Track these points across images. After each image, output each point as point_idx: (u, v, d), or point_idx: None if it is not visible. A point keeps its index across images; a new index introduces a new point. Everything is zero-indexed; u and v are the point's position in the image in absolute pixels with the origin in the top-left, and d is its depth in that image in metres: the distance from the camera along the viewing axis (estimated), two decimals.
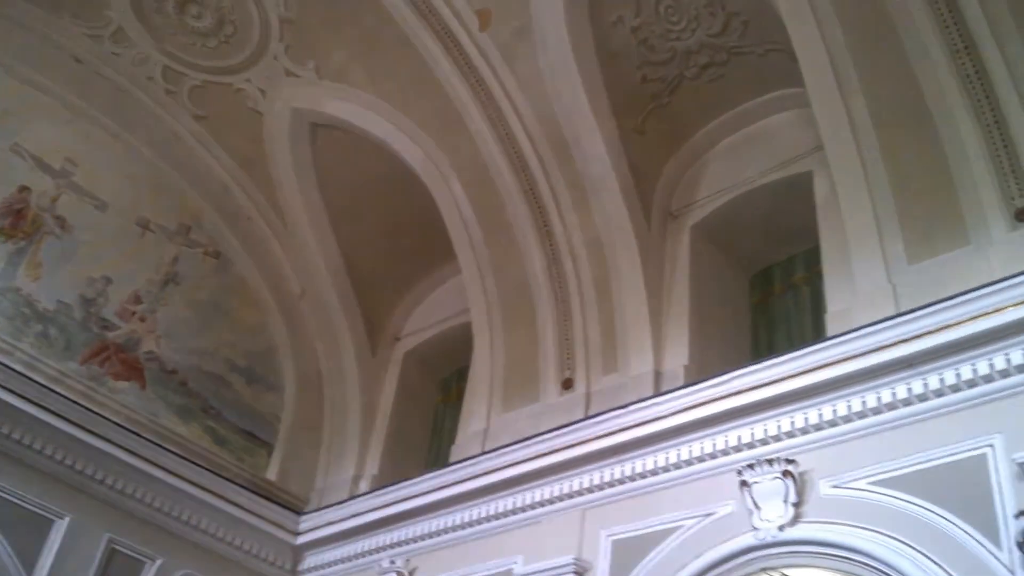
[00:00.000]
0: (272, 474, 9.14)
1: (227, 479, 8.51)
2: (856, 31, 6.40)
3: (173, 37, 8.68)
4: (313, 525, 8.62)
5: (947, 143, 6.02)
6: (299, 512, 8.83)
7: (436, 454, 9.51)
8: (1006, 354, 5.11)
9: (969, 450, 5.09)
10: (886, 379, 5.52)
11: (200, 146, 9.31)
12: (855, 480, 5.48)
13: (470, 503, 7.45)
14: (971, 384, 5.22)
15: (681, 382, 6.98)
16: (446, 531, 7.56)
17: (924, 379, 5.37)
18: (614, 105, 7.86)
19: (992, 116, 5.87)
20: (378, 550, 7.98)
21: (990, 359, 5.15)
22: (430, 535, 7.66)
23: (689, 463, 6.33)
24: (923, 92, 6.15)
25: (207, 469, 8.42)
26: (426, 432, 9.89)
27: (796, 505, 5.56)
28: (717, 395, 6.21)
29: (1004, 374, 5.11)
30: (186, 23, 8.56)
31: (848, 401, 5.65)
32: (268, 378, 9.51)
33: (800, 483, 5.62)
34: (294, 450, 9.38)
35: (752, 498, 5.73)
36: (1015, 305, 5.11)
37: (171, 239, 9.23)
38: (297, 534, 8.68)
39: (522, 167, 8.21)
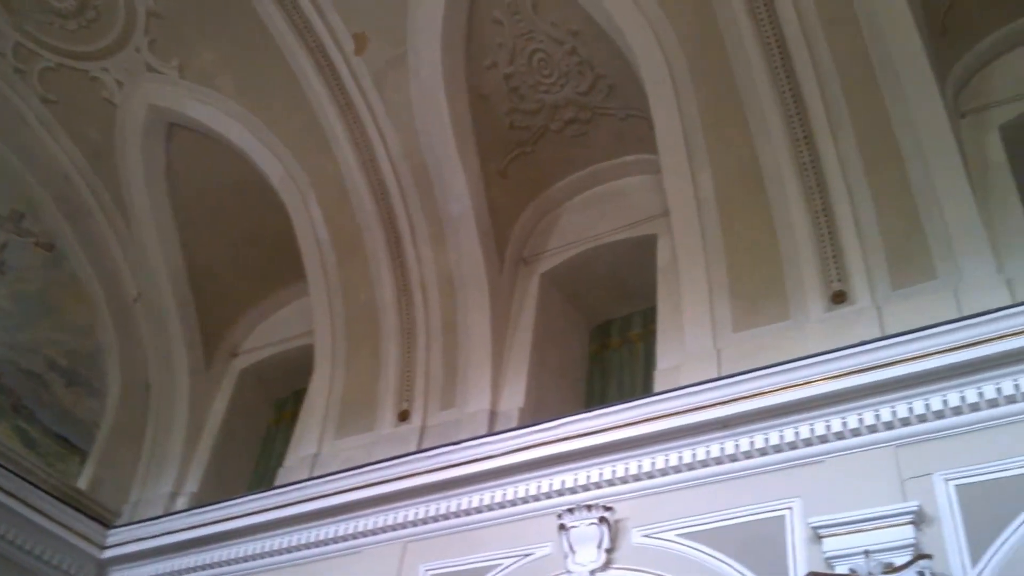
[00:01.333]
0: (83, 483, 8.67)
1: (33, 484, 8.02)
2: (710, 110, 6.88)
3: (31, 14, 8.29)
4: (121, 540, 8.20)
5: (779, 224, 6.51)
6: (108, 525, 8.41)
7: (262, 476, 9.26)
8: (811, 424, 5.50)
9: (770, 511, 5.41)
10: (703, 437, 5.82)
11: (45, 131, 8.87)
12: (665, 531, 5.72)
13: (291, 528, 7.29)
14: (777, 449, 5.57)
15: (515, 423, 7.12)
16: (263, 556, 7.35)
17: (736, 440, 5.70)
18: (480, 146, 8.03)
19: (821, 203, 6.41)
20: (189, 571, 7.69)
21: (796, 427, 5.53)
22: (246, 558, 7.44)
23: (513, 503, 6.43)
24: (763, 174, 6.64)
25: (12, 472, 7.92)
26: (254, 453, 9.61)
27: (609, 551, 5.74)
28: (547, 439, 6.36)
29: (807, 443, 5.49)
30: (47, 1, 8.20)
31: (667, 455, 5.91)
32: (91, 382, 9.07)
33: (614, 530, 5.81)
34: (110, 460, 8.92)
35: (569, 542, 5.87)
36: (824, 379, 5.50)
37: (0, 225, 8.74)
38: (103, 548, 8.24)
39: (383, 195, 8.24)
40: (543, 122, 8.08)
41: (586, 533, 5.86)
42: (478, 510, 6.55)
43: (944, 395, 5.20)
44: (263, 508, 7.42)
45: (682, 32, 6.91)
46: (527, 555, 6.15)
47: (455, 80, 7.76)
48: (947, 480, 4.99)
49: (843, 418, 5.42)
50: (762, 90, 6.61)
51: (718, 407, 5.76)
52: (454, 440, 6.94)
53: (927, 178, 6.14)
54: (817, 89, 6.50)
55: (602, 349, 8.24)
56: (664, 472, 5.91)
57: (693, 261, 6.75)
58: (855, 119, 6.45)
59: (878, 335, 5.68)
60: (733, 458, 5.70)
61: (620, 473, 6.05)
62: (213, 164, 8.91)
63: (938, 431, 5.19)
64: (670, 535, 5.68)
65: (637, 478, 6.00)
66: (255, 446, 9.66)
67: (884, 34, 6.36)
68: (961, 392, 5.16)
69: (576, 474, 6.24)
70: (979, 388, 5.13)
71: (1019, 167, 6.46)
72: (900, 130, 6.30)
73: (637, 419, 6.02)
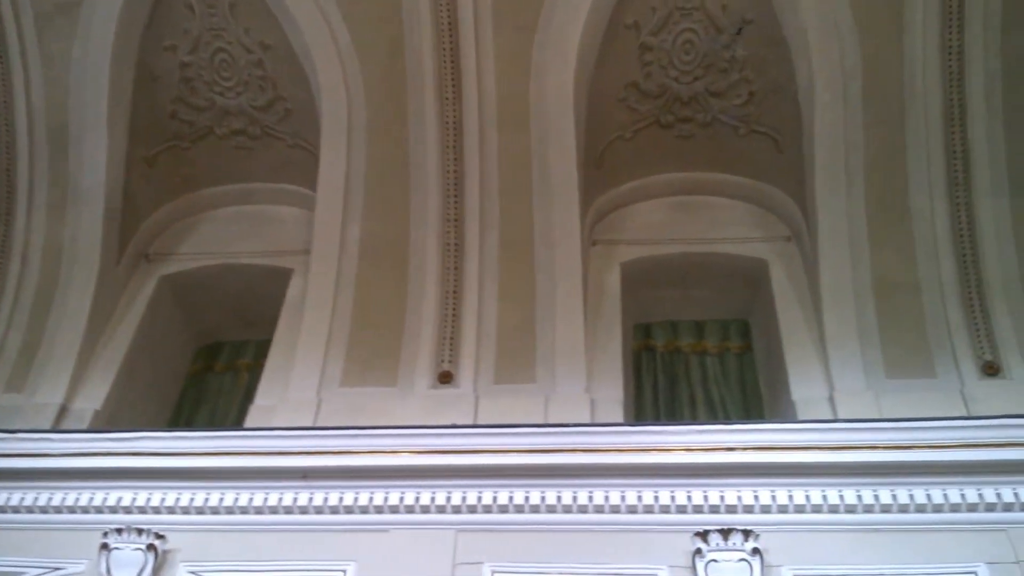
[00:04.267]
0: None
1: None
2: (377, 167, 6.96)
3: None
4: None
5: (411, 296, 6.71)
6: None
7: None
8: (386, 492, 5.53)
9: (326, 569, 5.34)
10: (281, 483, 5.64)
11: None
12: (218, 570, 5.44)
13: None
14: (348, 509, 5.51)
15: (86, 425, 6.55)
16: None
17: (312, 493, 5.60)
18: (133, 125, 7.44)
19: (453, 287, 6.69)
20: None
21: (371, 492, 5.53)
22: None
23: (59, 510, 5.83)
24: (410, 245, 6.81)
25: None
26: None
27: None
28: (112, 449, 5.87)
29: (378, 510, 5.52)
30: None
31: (238, 493, 5.67)
32: None
33: (160, 560, 5.44)
34: None
35: (108, 563, 5.42)
36: (412, 452, 5.61)
37: None
38: None
39: (8, 144, 7.34)
40: (209, 123, 7.68)
41: (130, 557, 5.43)
42: (29, 509, 5.87)
43: (511, 491, 5.49)
44: None
45: (370, 81, 6.97)
46: (58, 568, 5.57)
47: (126, 49, 7.17)
48: (494, 572, 5.24)
49: (416, 493, 5.51)
50: (430, 166, 6.85)
51: (301, 456, 5.66)
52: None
53: (551, 289, 6.64)
54: (478, 180, 6.84)
55: (205, 370, 7.84)
56: (231, 510, 5.64)
57: (320, 306, 6.69)
58: (504, 216, 6.87)
59: (471, 421, 5.97)
60: (304, 510, 5.59)
61: (184, 502, 5.69)
62: None
63: (498, 524, 5.44)
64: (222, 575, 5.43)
65: (201, 511, 5.67)
66: None
67: (549, 148, 6.88)
68: (526, 492, 5.48)
69: (136, 493, 5.80)
70: (545, 492, 5.47)
71: (628, 302, 7.19)
72: (540, 239, 6.80)
73: (212, 450, 5.74)
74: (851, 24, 6.57)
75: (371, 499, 5.53)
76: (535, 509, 5.47)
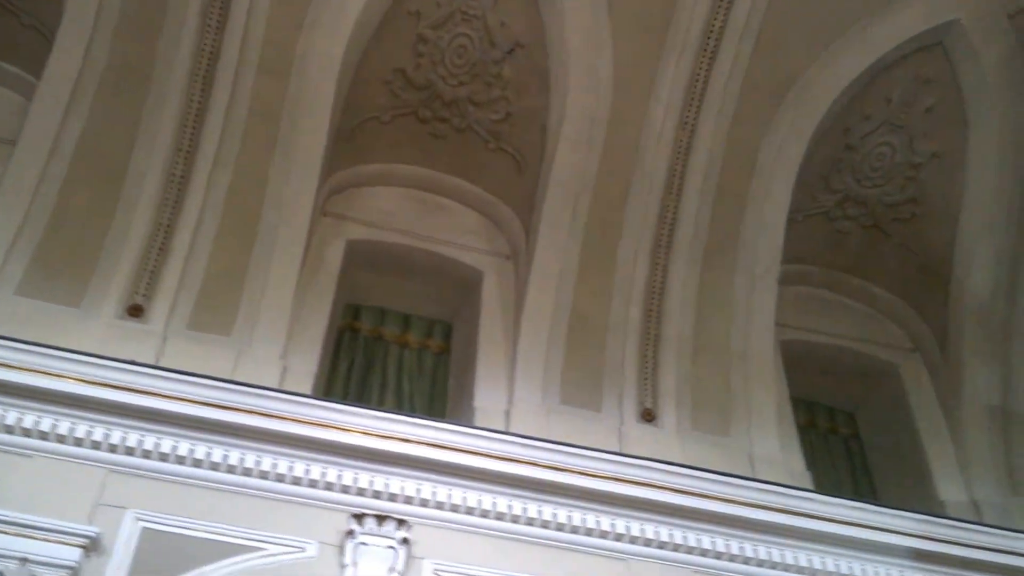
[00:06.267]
0: None
1: None
2: (116, 71, 6.55)
3: None
4: None
5: (121, 209, 6.30)
6: None
7: None
8: (37, 417, 5.20)
9: None
10: None
11: None
12: None
13: None
14: None
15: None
16: None
17: None
18: None
19: (171, 213, 6.39)
20: None
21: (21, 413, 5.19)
22: None
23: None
24: (132, 155, 6.45)
25: None
26: None
27: None
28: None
29: (26, 433, 5.17)
30: None
31: None
32: None
33: None
34: None
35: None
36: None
37: None
38: None
39: None
40: None
41: None
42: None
43: (176, 441, 5.35)
44: None
45: None
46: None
47: None
48: (138, 519, 5.07)
49: (72, 423, 5.21)
50: (173, 88, 6.53)
51: None
52: None
53: (270, 247, 6.51)
54: (222, 117, 6.59)
55: None
56: None
57: (13, 204, 6.10)
58: (240, 161, 6.65)
59: (154, 361, 5.75)
60: None
61: None
62: None
63: (154, 471, 5.27)
64: None
65: None
66: None
67: (302, 107, 6.78)
68: (192, 445, 5.36)
69: None
70: (213, 448, 5.39)
71: (345, 280, 7.21)
72: (271, 194, 6.64)
73: None
74: (609, 76, 7.05)
75: (20, 420, 5.15)
76: (197, 464, 5.36)
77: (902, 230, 8.08)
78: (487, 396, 6.68)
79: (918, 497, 7.31)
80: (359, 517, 5.42)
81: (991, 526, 6.60)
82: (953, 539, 6.36)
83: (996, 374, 7.66)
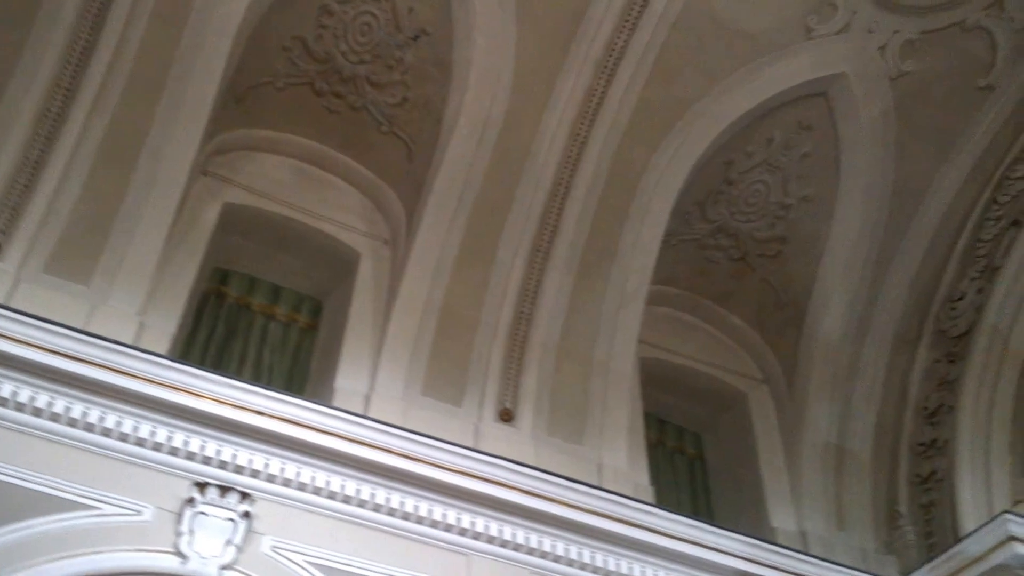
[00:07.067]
0: None
1: None
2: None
3: None
4: None
5: None
6: None
7: None
8: None
9: None
10: None
11: None
12: None
13: None
14: None
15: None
16: None
17: None
18: None
19: (41, 149, 6.09)
20: None
21: None
22: None
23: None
24: (8, 88, 6.12)
25: None
26: None
27: None
28: None
29: None
30: None
31: None
32: None
33: None
34: None
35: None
36: None
37: None
38: None
39: None
40: None
41: None
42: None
43: (16, 387, 5.13)
44: None
45: None
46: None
47: None
48: None
49: None
50: (61, 25, 6.22)
51: None
52: None
53: (143, 198, 6.32)
54: (108, 60, 6.34)
55: None
56: None
57: None
58: (122, 106, 6.39)
59: (2, 302, 5.47)
60: None
61: None
62: None
63: None
64: None
65: None
66: None
67: (196, 60, 6.58)
68: (34, 393, 5.16)
69: None
70: (55, 399, 5.20)
71: (217, 243, 7.02)
72: (151, 144, 6.42)
73: None
74: (509, 80, 7.13)
75: None
76: (37, 413, 5.16)
77: (767, 266, 8.42)
78: (349, 378, 6.64)
79: (752, 522, 7.64)
80: (202, 486, 5.30)
81: (815, 557, 6.98)
82: (778, 565, 6.69)
83: (836, 413, 8.09)
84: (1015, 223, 7.80)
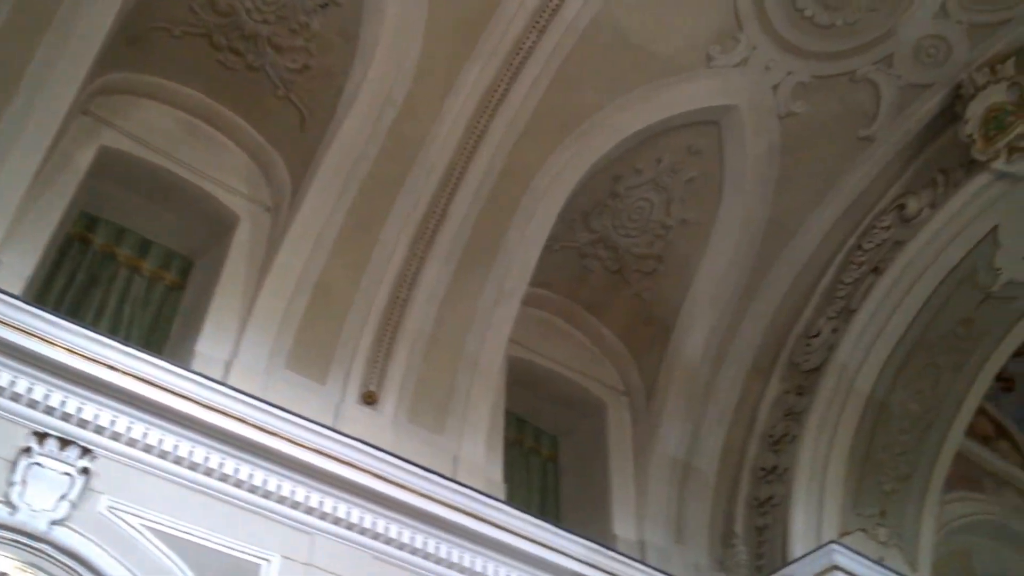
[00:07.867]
0: None
1: None
2: None
3: None
4: None
5: None
6: None
7: None
8: None
9: None
10: None
11: None
12: None
13: None
14: None
15: None
16: None
17: None
18: None
19: None
20: None
21: None
22: None
23: None
24: None
25: None
26: None
27: None
28: None
29: None
30: None
31: None
32: None
33: None
34: None
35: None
36: None
37: None
38: None
39: None
40: None
41: None
42: None
43: None
44: None
45: None
46: None
47: None
48: None
49: None
50: None
51: None
52: None
53: (10, 130, 5.95)
54: None
55: None
56: None
57: None
58: (3, 32, 6.01)
59: None
60: None
61: None
62: None
63: None
64: None
65: None
66: None
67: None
68: None
69: None
70: None
71: (86, 187, 6.71)
72: (31, 76, 6.05)
73: None
74: (414, 64, 7.08)
75: None
76: None
77: (641, 282, 8.60)
78: (211, 343, 6.46)
79: (596, 527, 7.80)
80: (41, 436, 5.09)
81: (651, 567, 7.22)
82: (614, 571, 6.92)
83: (688, 431, 8.36)
84: (875, 270, 8.22)
